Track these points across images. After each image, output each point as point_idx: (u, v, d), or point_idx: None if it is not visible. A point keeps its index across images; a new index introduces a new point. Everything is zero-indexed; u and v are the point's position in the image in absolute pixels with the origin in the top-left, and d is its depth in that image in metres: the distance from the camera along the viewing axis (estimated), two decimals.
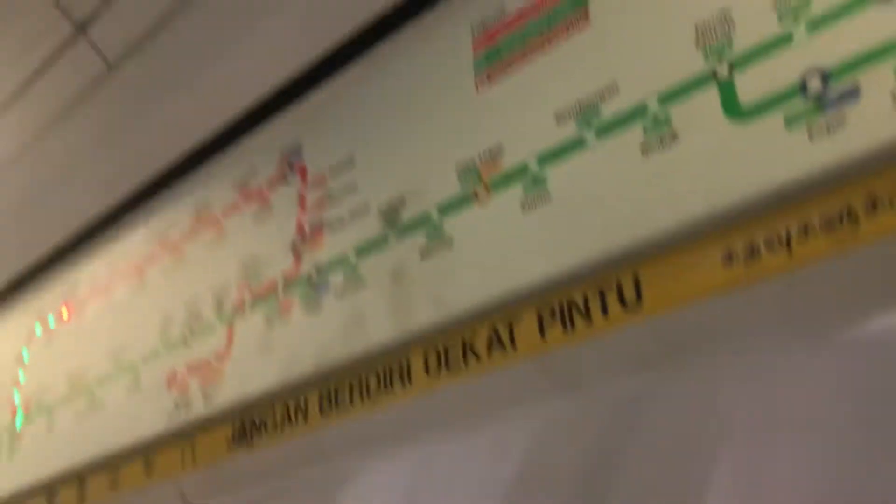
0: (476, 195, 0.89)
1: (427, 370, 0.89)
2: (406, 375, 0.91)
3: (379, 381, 0.93)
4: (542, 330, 0.81)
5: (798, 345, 0.67)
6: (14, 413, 1.50)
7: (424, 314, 0.88)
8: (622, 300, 0.75)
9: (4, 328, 1.68)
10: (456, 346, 0.87)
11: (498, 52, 0.93)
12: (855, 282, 0.64)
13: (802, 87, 0.68)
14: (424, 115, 0.99)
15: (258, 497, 1.07)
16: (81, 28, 1.30)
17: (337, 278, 1.00)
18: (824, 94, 0.66)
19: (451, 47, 0.99)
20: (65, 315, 1.49)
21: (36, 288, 1.63)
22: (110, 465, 1.25)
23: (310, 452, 1.00)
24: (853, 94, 0.65)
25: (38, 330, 1.55)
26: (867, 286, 0.64)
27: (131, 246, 1.39)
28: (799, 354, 0.67)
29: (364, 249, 0.98)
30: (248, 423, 1.07)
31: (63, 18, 1.30)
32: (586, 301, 0.78)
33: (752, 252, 0.69)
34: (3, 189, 1.59)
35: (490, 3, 0.97)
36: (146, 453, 1.20)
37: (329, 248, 1.03)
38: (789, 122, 0.67)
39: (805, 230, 0.66)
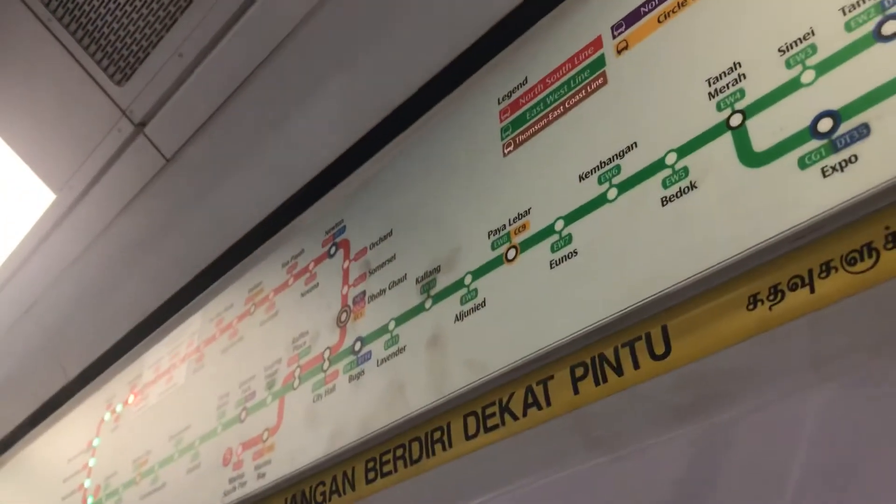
0: (506, 257, 0.90)
1: (466, 433, 0.89)
2: (447, 439, 0.91)
3: (421, 448, 0.94)
4: (575, 386, 0.81)
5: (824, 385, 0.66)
6: (85, 499, 1.54)
7: (460, 378, 0.89)
8: (651, 352, 0.75)
9: (78, 419, 1.74)
10: (493, 406, 0.87)
11: (523, 119, 0.96)
12: (878, 317, 0.63)
13: (813, 129, 0.68)
14: (457, 184, 1.02)
15: None
16: (141, 126, 1.38)
17: (378, 347, 1.02)
18: (835, 134, 0.67)
19: (480, 118, 1.02)
20: (131, 401, 1.54)
21: (106, 378, 1.69)
22: None
23: None
24: (864, 130, 0.65)
25: (108, 417, 1.60)
26: (888, 323, 0.63)
27: (191, 329, 1.44)
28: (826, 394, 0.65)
29: (403, 318, 1.00)
30: (299, 495, 1.08)
31: (124, 118, 1.39)
32: (617, 354, 0.78)
33: (776, 294, 0.68)
34: (70, 287, 1.67)
35: (514, 75, 1.01)
36: None
37: (370, 318, 1.05)
38: (802, 163, 0.68)
39: (827, 268, 0.66)
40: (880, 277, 0.63)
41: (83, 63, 1.37)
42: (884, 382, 0.64)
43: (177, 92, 1.33)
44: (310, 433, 1.06)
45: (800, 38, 0.72)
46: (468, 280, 0.94)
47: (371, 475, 0.99)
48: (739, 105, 0.74)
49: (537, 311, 0.85)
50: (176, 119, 1.36)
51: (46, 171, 1.55)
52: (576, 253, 0.83)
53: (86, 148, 1.47)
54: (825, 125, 0.68)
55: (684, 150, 0.77)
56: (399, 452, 0.96)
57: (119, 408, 1.57)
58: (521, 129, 0.96)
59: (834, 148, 0.66)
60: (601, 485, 0.82)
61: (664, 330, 0.75)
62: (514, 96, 0.99)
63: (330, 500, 1.03)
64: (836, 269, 0.65)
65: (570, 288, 0.83)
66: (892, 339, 0.63)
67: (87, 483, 1.56)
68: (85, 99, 1.41)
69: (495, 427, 0.87)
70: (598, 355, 0.79)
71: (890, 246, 0.63)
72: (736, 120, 0.74)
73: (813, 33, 0.71)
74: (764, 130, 0.72)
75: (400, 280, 1.04)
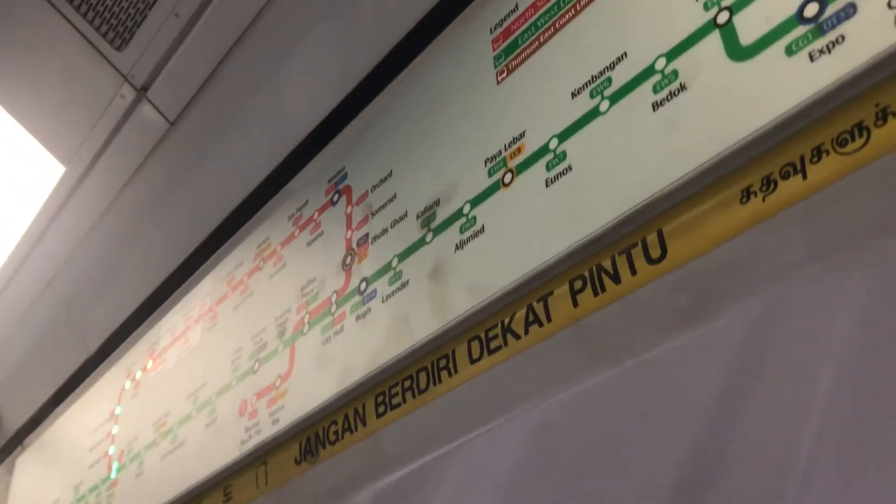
0: (503, 181, 0.90)
1: (471, 358, 0.89)
2: (452, 366, 0.91)
3: (428, 376, 0.94)
4: (574, 299, 0.80)
5: (825, 272, 0.65)
6: (110, 465, 1.57)
7: (463, 304, 0.89)
8: (648, 256, 0.75)
9: (100, 391, 1.76)
10: (495, 329, 0.87)
11: (515, 45, 0.96)
12: (871, 198, 0.62)
13: (800, 15, 0.67)
14: (452, 118, 1.01)
15: None
16: (143, 90, 1.39)
17: (382, 285, 1.02)
18: (822, 17, 0.65)
19: (473, 50, 1.02)
20: (150, 367, 1.56)
21: (125, 348, 1.71)
22: (194, 498, 1.29)
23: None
24: (850, 10, 0.64)
25: (129, 385, 1.62)
26: (884, 200, 0.62)
27: (204, 291, 1.46)
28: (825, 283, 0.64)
29: (405, 254, 1.00)
30: (313, 437, 1.08)
31: (126, 84, 1.40)
32: (614, 263, 0.77)
33: (769, 184, 0.67)
34: (85, 260, 1.69)
35: (505, 2, 1.00)
36: (224, 482, 1.23)
37: (374, 258, 1.05)
38: (789, 50, 0.67)
39: (818, 153, 0.65)
40: (872, 156, 0.62)
41: (82, 30, 1.38)
42: (883, 263, 0.63)
43: (175, 53, 1.33)
44: (320, 375, 1.07)
45: None
46: (466, 209, 0.94)
47: (381, 409, 0.99)
48: (726, 2, 0.73)
49: (535, 230, 0.85)
50: (177, 81, 1.37)
51: (54, 144, 1.56)
52: (570, 169, 0.83)
53: (91, 117, 1.48)
54: (811, 10, 0.66)
55: (673, 54, 0.76)
56: (407, 384, 0.96)
57: (139, 375, 1.59)
58: (514, 54, 0.95)
59: (821, 31, 0.65)
60: (610, 399, 0.82)
61: (659, 234, 0.74)
62: (506, 24, 0.98)
63: (343, 438, 1.04)
64: (828, 153, 0.64)
65: (565, 203, 0.82)
66: (888, 218, 0.62)
67: (111, 450, 1.59)
68: (86, 67, 1.42)
69: (498, 348, 0.87)
70: (595, 266, 0.79)
71: (880, 123, 0.62)
72: (723, 17, 0.73)
73: None
74: (750, 23, 0.71)
75: (401, 218, 1.04)
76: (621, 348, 0.78)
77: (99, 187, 1.56)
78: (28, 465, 2.02)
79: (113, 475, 1.54)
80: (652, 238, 0.75)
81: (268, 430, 1.13)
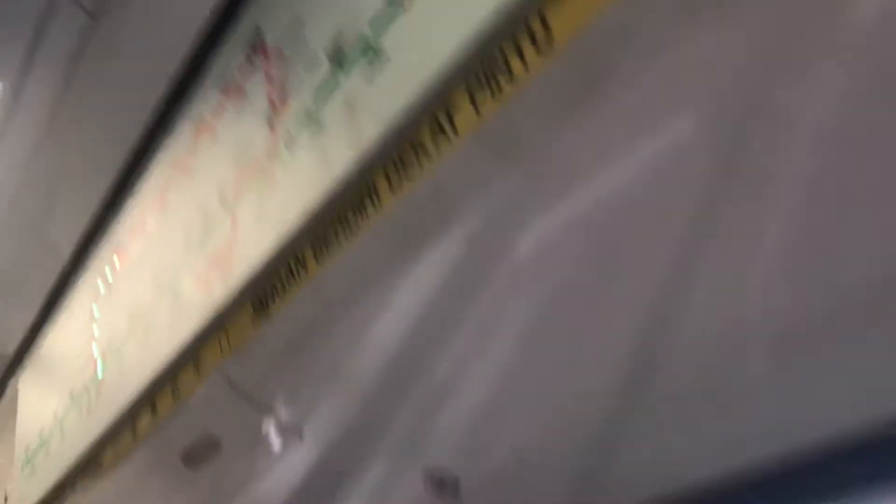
0: (402, 5, 0.89)
1: (390, 185, 0.90)
2: (375, 196, 0.92)
3: (354, 211, 0.95)
4: (475, 106, 0.80)
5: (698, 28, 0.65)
6: (95, 365, 1.61)
7: (374, 129, 0.90)
8: (535, 42, 0.74)
9: (78, 299, 1.79)
10: (407, 149, 0.88)
11: None
12: None
13: None
14: None
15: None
16: None
17: (304, 134, 1.02)
18: None
19: None
20: (117, 264, 1.58)
21: (93, 250, 1.72)
22: (169, 378, 1.32)
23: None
24: None
25: (102, 288, 1.65)
26: None
27: (153, 179, 1.46)
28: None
29: (321, 99, 1.00)
30: (262, 293, 1.11)
31: None
32: (505, 57, 0.77)
33: None
34: (43, 169, 1.70)
35: None
36: (193, 355, 1.26)
37: (294, 110, 1.05)
38: None
39: None
40: None
41: None
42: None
43: None
44: (261, 234, 1.08)
45: None
46: (373, 41, 0.93)
47: (318, 253, 1.01)
48: None
49: (433, 40, 0.84)
50: None
51: None
52: None
53: (15, 27, 1.46)
54: None
55: None
56: (338, 228, 0.98)
57: (109, 274, 1.62)
58: None
59: None
60: (529, 202, 0.83)
61: (542, 18, 0.74)
62: None
63: (288, 287, 1.06)
64: None
65: (458, 8, 0.81)
66: None
67: (94, 350, 1.62)
68: None
69: (413, 170, 0.87)
70: (489, 64, 0.78)
71: None
72: None
73: None
74: None
75: (315, 64, 1.03)
76: (528, 146, 0.79)
77: (39, 96, 1.54)
78: (29, 383, 2.08)
79: (100, 375, 1.59)
80: (536, 23, 0.74)
81: (221, 295, 1.16)
